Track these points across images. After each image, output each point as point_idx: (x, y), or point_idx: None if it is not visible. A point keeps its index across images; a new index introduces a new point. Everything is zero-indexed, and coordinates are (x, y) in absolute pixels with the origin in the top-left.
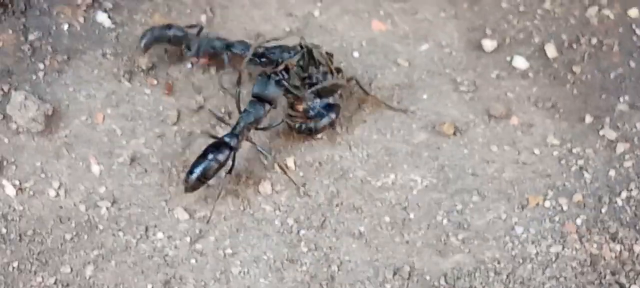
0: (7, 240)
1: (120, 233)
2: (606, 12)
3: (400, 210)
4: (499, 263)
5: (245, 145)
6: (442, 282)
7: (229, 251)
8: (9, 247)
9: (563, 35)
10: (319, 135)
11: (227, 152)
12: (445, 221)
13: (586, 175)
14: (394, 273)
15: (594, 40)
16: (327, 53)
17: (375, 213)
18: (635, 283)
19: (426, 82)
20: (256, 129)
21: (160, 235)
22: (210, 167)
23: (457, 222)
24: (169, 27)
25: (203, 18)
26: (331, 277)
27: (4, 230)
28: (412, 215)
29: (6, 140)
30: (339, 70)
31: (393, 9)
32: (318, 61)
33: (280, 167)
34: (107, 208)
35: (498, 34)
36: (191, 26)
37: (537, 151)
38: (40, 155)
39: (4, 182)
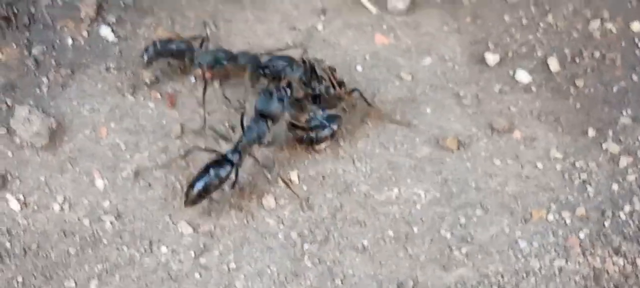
0: (12, 254)
1: (125, 248)
2: (609, 25)
3: (404, 224)
4: (502, 277)
5: (248, 159)
6: None
7: (232, 265)
8: (13, 262)
9: (566, 49)
10: (322, 146)
11: (228, 168)
12: (448, 235)
13: (589, 188)
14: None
15: (597, 54)
16: (329, 67)
17: (378, 227)
18: None
19: (429, 96)
20: (259, 145)
21: (164, 249)
22: (211, 182)
23: (460, 236)
24: (172, 40)
25: (206, 32)
26: None
27: (8, 245)
28: (415, 229)
29: (10, 155)
30: (341, 84)
31: (396, 23)
32: (321, 76)
33: (284, 181)
34: (111, 223)
35: (501, 48)
36: (194, 38)
37: (540, 165)
38: (44, 169)
39: (8, 196)
